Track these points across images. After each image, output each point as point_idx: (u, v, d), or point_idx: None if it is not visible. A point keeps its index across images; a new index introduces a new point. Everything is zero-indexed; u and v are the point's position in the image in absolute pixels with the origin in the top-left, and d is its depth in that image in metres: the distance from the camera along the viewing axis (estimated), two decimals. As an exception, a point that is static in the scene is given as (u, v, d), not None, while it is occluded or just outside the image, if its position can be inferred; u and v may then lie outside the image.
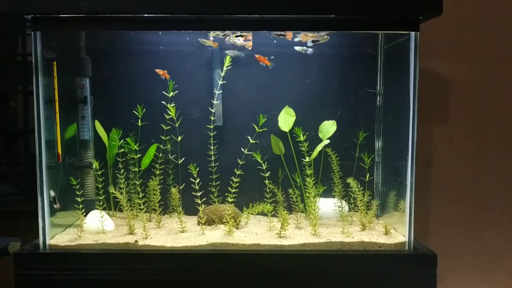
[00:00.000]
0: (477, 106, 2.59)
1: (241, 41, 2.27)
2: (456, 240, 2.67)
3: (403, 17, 1.94)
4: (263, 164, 2.25)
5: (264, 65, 2.36)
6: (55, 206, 1.97)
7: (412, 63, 1.99)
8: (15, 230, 2.82)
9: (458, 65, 2.57)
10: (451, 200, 2.64)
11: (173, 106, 2.27)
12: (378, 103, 2.47)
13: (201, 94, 2.44)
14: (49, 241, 2.04)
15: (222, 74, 2.29)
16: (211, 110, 2.30)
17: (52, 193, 1.97)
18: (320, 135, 2.39)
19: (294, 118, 2.40)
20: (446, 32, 2.53)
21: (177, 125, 2.31)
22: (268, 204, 2.26)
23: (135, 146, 2.29)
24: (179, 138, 2.32)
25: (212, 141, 2.27)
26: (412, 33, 1.98)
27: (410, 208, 2.03)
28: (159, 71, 2.35)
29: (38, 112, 2.00)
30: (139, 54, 2.43)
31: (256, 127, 2.28)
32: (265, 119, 2.27)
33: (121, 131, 2.33)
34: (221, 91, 2.34)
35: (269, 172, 2.27)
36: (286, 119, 2.40)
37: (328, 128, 2.38)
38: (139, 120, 2.32)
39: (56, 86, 2.03)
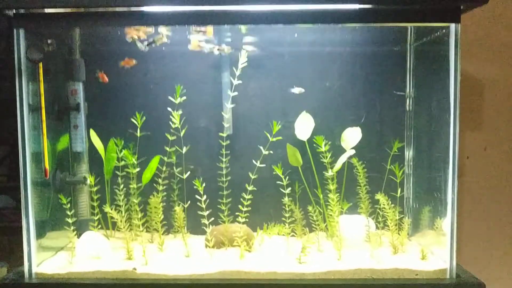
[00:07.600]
0: (513, 111, 2.41)
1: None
2: (495, 261, 2.44)
3: (442, 7, 1.72)
4: (284, 179, 1.98)
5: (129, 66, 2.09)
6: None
7: (452, 61, 1.77)
8: (12, 248, 2.58)
9: (492, 67, 2.38)
10: (485, 214, 2.43)
11: (178, 113, 2.01)
12: (407, 107, 2.26)
13: (207, 100, 2.25)
14: (36, 269, 1.84)
15: (238, 73, 2.01)
16: (222, 116, 2.10)
17: None
18: (343, 144, 2.17)
19: (313, 125, 2.18)
20: (477, 30, 2.34)
21: (182, 134, 2.06)
22: (285, 226, 1.99)
23: (133, 159, 2.02)
24: (184, 149, 2.05)
25: (224, 152, 2.01)
26: (452, 26, 1.76)
27: (452, 229, 1.81)
28: (127, 61, 2.08)
29: (22, 121, 1.79)
30: (138, 56, 2.15)
31: (269, 135, 2.01)
32: (280, 126, 2.00)
33: (123, 141, 2.11)
34: (232, 94, 2.06)
35: (289, 189, 1.99)
36: (303, 127, 2.18)
37: (352, 136, 2.15)
38: (138, 129, 2.06)
39: (42, 92, 1.80)
